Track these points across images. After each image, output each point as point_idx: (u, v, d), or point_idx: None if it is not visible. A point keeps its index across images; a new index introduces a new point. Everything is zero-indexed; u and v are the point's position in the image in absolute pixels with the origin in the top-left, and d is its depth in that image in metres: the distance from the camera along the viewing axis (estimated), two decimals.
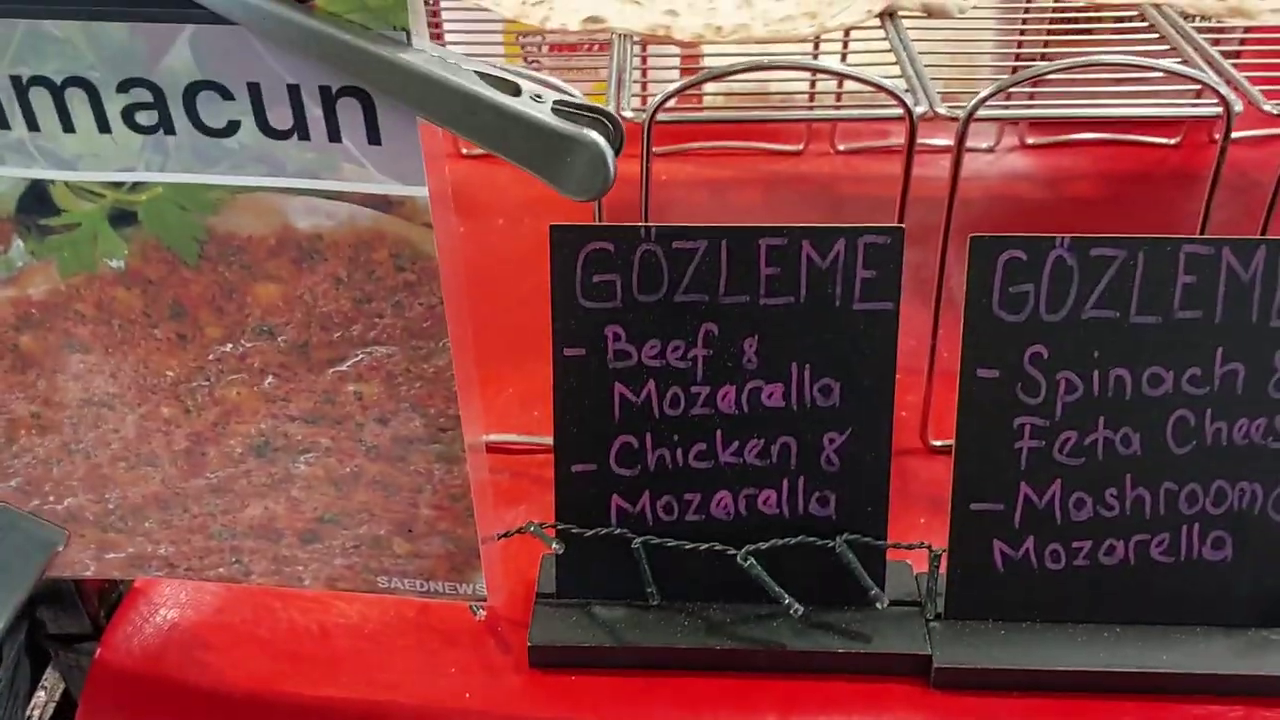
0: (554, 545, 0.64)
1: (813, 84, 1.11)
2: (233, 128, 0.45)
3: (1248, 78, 0.74)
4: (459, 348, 0.52)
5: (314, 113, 0.44)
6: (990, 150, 1.18)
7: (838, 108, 0.74)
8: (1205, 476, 0.63)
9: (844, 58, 1.03)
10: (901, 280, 0.62)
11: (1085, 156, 1.17)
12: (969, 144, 1.19)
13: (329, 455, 0.55)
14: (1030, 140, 1.18)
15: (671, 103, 0.70)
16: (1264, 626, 0.64)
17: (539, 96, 0.42)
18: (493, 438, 0.81)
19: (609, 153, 0.42)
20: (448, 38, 0.98)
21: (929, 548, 0.66)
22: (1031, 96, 1.03)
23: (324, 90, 0.43)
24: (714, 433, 0.64)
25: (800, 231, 0.61)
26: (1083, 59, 0.69)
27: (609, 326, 0.63)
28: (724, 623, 0.65)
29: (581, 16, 0.81)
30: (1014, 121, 1.18)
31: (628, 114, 0.71)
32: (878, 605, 0.64)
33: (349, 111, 0.43)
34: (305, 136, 0.44)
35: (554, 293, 0.62)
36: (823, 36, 0.83)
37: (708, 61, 1.09)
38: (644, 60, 1.09)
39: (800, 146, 1.17)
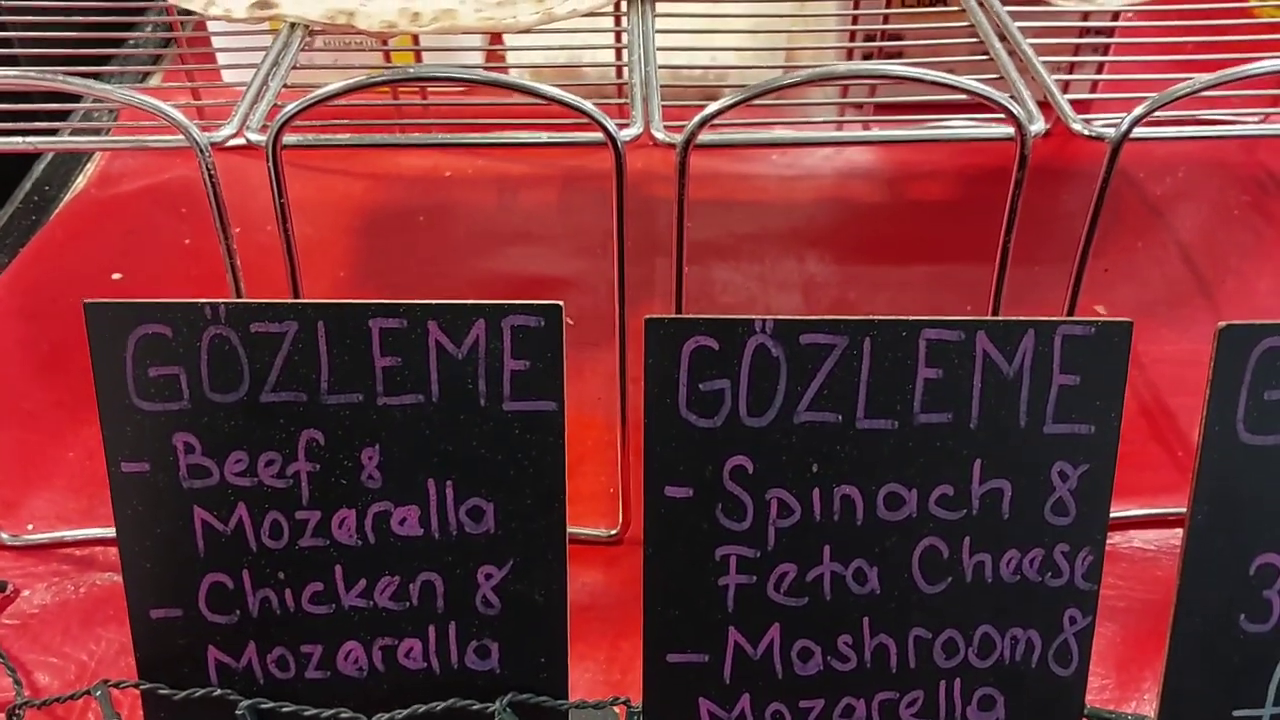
0: None
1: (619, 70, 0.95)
2: None
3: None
4: None
5: None
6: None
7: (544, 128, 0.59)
8: (966, 621, 0.49)
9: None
10: (564, 371, 0.47)
11: (938, 150, 1.01)
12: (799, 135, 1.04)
13: None
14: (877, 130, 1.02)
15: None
16: None
17: None
18: (65, 533, 0.66)
19: None
20: None
21: (627, 703, 0.52)
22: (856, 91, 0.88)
23: None
24: (332, 569, 0.49)
25: (424, 310, 0.46)
26: (817, 71, 0.53)
27: (177, 435, 0.47)
28: None
29: (250, 1, 0.64)
30: (857, 105, 1.02)
31: (251, 136, 0.55)
32: None
33: None
34: None
35: (100, 391, 0.47)
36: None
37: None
38: None
39: None
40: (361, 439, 0.47)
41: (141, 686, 0.50)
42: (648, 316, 0.45)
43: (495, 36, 0.98)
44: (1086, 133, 0.55)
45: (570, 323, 0.84)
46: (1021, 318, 0.45)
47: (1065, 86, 0.60)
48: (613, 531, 0.67)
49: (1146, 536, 0.67)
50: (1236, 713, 0.49)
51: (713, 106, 0.52)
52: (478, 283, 0.88)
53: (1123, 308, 0.84)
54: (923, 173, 0.99)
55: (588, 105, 0.53)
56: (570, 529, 0.67)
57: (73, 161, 1.00)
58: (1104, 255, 0.89)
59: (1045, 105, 0.58)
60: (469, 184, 0.97)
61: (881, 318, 0.45)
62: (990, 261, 0.60)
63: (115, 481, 0.48)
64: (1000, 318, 0.45)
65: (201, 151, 0.53)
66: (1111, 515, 0.67)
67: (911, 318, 0.45)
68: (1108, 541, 0.67)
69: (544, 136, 0.62)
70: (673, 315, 0.45)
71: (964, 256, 0.91)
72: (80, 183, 0.98)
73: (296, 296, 0.56)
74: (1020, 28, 0.65)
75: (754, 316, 0.45)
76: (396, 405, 0.47)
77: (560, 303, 0.46)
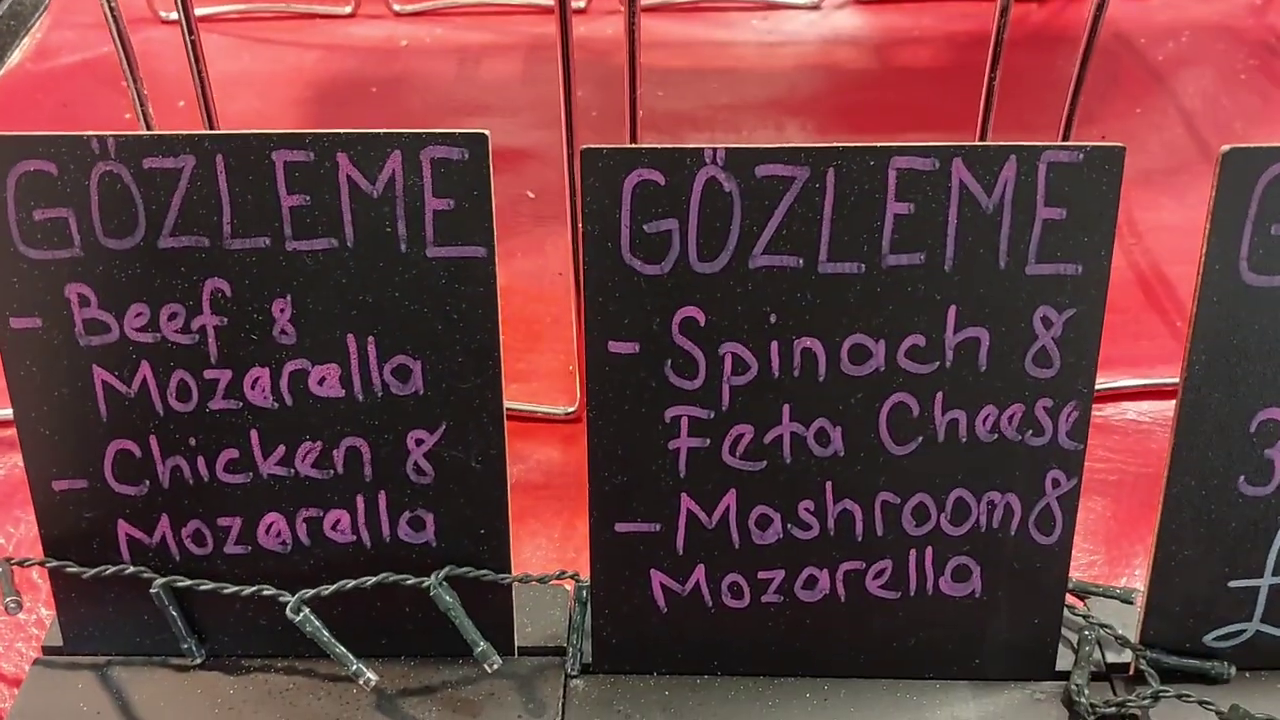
0: (7, 601, 0.45)
1: None
2: None
3: None
4: None
5: None
6: (816, 7, 0.96)
7: None
8: (939, 485, 0.45)
9: None
10: (493, 212, 0.42)
11: (929, 15, 0.95)
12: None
13: None
14: None
15: None
16: (1021, 679, 0.47)
17: None
18: None
19: None
20: None
21: (575, 578, 0.48)
22: None
23: None
24: (247, 434, 0.45)
25: (333, 141, 0.41)
26: None
27: (70, 285, 0.43)
28: (286, 689, 0.47)
29: None
30: None
31: None
32: (486, 667, 0.46)
33: None
34: None
35: None
36: None
37: None
38: None
39: (583, 3, 0.95)
40: (271, 289, 0.43)
41: (48, 565, 0.47)
42: (584, 146, 0.41)
43: None
44: None
45: (531, 195, 0.79)
46: (1002, 142, 0.40)
47: None
48: (570, 409, 0.63)
49: (1142, 408, 0.63)
50: (1233, 583, 0.46)
51: None
52: None
53: None
54: (910, 39, 0.93)
55: None
56: (527, 406, 0.63)
57: (8, 35, 0.95)
58: (1102, 122, 0.83)
59: None
60: (426, 53, 0.92)
61: (846, 144, 0.40)
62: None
63: (5, 339, 0.43)
64: (979, 143, 0.40)
65: None
66: (1106, 386, 0.63)
67: (879, 144, 0.40)
68: (1100, 414, 0.63)
69: None
70: (612, 145, 0.40)
71: (952, 125, 0.85)
72: (15, 57, 0.93)
73: None
74: None
75: (703, 145, 0.40)
76: (307, 251, 0.42)
77: (486, 131, 0.41)
